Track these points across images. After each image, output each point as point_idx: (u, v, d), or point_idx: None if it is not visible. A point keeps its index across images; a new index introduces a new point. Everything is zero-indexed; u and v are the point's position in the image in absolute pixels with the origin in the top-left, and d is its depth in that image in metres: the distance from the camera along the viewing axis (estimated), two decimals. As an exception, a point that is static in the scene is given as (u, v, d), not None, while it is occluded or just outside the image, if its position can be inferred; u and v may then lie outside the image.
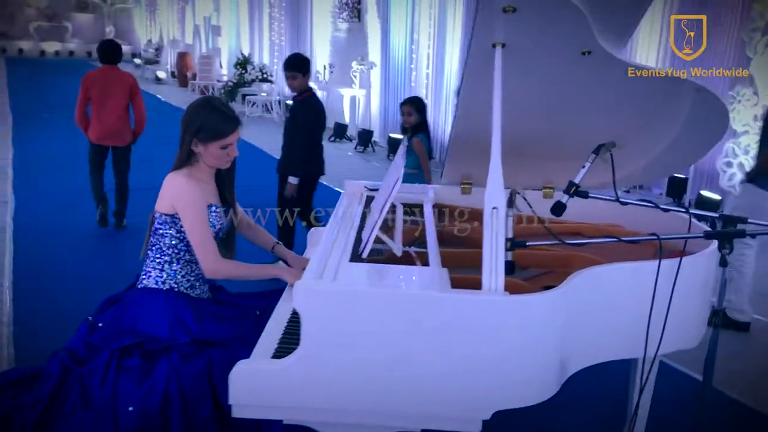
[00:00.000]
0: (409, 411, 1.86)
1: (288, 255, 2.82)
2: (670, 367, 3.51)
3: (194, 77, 16.07)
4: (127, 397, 2.23)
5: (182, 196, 2.42)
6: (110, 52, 5.59)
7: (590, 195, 2.14)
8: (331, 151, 6.68)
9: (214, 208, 2.52)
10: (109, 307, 2.58)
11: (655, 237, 2.04)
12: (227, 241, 2.66)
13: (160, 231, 2.50)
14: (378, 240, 2.24)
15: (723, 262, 1.97)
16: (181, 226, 2.45)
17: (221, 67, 16.61)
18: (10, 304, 4.08)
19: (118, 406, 2.22)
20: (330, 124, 9.70)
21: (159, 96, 15.93)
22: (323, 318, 1.80)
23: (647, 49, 7.18)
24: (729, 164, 6.40)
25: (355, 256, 2.15)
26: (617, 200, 2.16)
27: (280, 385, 1.84)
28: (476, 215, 3.05)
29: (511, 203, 2.35)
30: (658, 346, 2.13)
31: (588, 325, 2.06)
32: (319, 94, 11.17)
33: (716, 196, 6.61)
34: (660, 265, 2.03)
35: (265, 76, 13.25)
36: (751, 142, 6.33)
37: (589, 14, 1.93)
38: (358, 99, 11.01)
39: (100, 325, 2.48)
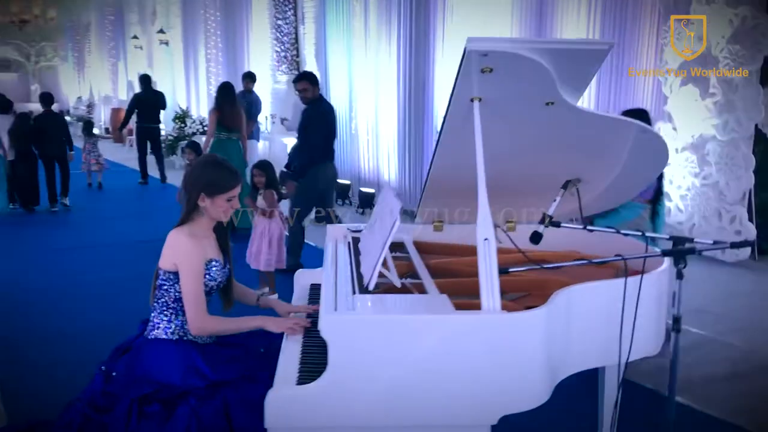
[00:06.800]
0: (427, 422, 2.11)
1: (273, 303, 3.00)
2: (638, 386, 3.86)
3: (131, 133, 16.04)
4: None
5: (182, 254, 2.60)
6: None
7: (562, 225, 2.47)
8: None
9: (214, 263, 2.70)
10: (121, 355, 2.73)
11: (620, 257, 2.39)
12: (227, 291, 2.85)
13: (165, 287, 2.65)
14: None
15: (679, 275, 2.32)
16: None
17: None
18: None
19: None
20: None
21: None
22: (348, 343, 2.05)
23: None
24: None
25: (362, 290, 2.40)
26: (584, 228, 2.50)
27: (310, 407, 2.07)
28: (452, 250, 3.36)
29: (492, 236, 2.66)
30: (629, 352, 2.46)
31: (569, 337, 2.36)
32: (261, 144, 11.46)
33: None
34: (626, 282, 2.37)
35: (205, 128, 13.40)
36: (673, 172, 6.94)
37: (554, 71, 2.28)
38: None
39: (114, 374, 2.63)
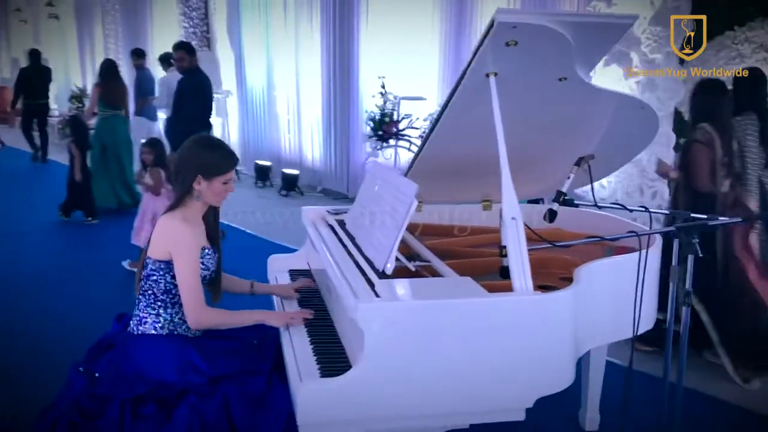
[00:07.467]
0: (463, 409, 2.04)
1: (270, 288, 2.88)
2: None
3: (18, 114, 14.89)
4: None
5: (179, 241, 2.41)
6: None
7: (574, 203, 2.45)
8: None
9: (206, 251, 2.52)
10: (102, 353, 2.50)
11: (634, 234, 2.39)
12: (215, 282, 2.65)
13: (154, 277, 2.45)
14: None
15: (693, 249, 2.34)
16: None
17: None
18: None
19: None
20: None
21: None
22: (385, 331, 1.94)
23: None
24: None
25: (379, 275, 2.28)
26: (595, 205, 2.48)
27: (346, 399, 1.95)
28: (433, 230, 3.29)
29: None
30: (636, 326, 2.47)
31: (587, 315, 2.34)
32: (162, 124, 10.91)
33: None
34: (640, 258, 2.38)
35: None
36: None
37: (574, 45, 2.23)
38: (213, 127, 10.85)
39: (97, 374, 2.40)
